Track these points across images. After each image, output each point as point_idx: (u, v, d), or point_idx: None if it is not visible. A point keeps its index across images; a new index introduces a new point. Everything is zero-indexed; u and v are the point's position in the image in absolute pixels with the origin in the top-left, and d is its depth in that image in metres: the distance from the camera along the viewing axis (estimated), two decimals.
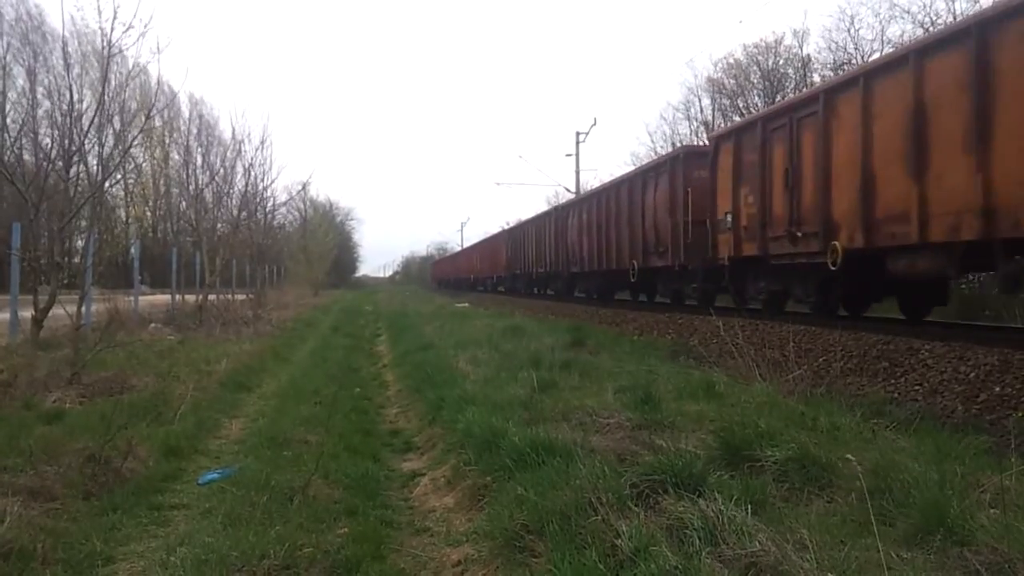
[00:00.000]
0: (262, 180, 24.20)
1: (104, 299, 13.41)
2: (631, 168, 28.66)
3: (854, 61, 26.50)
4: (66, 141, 10.32)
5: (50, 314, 9.04)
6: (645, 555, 2.85)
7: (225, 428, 6.91)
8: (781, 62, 32.29)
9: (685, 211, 13.98)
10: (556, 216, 24.72)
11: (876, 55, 24.15)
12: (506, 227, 42.07)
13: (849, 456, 3.43)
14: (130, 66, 12.50)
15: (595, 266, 19.80)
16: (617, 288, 20.33)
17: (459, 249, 69.50)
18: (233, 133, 22.34)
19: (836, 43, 28.72)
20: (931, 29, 22.05)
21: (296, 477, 4.59)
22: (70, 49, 17.12)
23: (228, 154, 22.79)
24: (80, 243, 13.16)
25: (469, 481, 4.69)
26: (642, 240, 16.21)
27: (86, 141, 10.15)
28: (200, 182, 27.49)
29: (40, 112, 37.01)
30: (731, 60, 34.80)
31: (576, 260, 21.83)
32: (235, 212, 22.13)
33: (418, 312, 22.70)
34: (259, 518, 3.90)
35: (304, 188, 37.27)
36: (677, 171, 14.58)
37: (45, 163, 10.92)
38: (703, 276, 13.91)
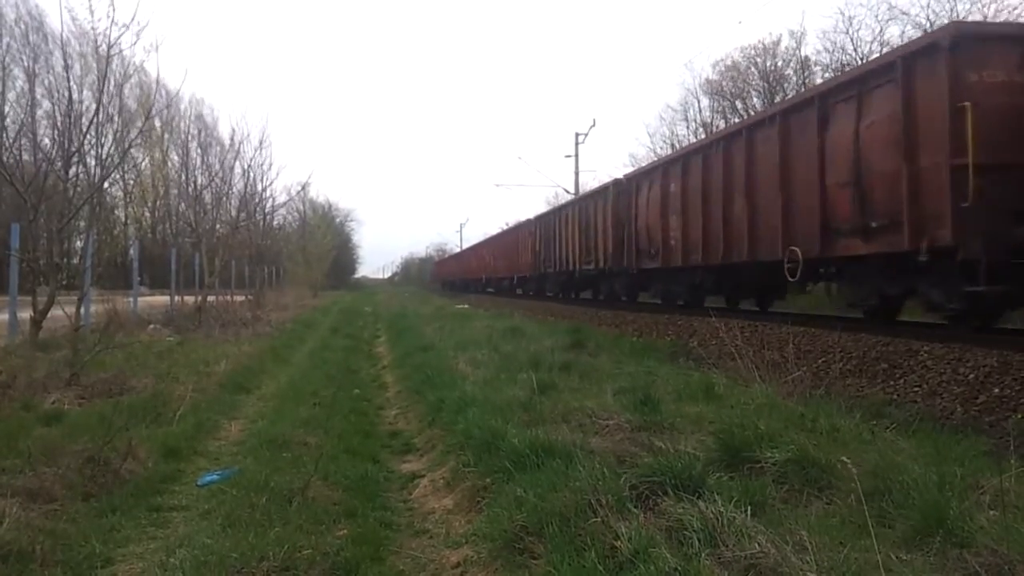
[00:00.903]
0: (261, 181, 24.26)
1: (103, 300, 13.41)
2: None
3: (854, 62, 26.55)
4: (65, 142, 10.31)
5: (49, 315, 9.03)
6: (644, 557, 2.85)
7: (224, 429, 6.91)
8: (780, 63, 32.38)
9: (955, 148, 7.44)
10: (618, 192, 17.91)
11: (875, 56, 24.18)
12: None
13: (844, 459, 3.43)
14: (126, 66, 12.49)
15: (697, 258, 13.33)
16: (737, 289, 14.12)
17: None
18: (232, 134, 22.36)
19: (834, 43, 28.77)
20: (929, 30, 22.07)
21: (295, 479, 4.58)
22: (71, 50, 17.12)
23: (227, 155, 22.83)
24: (79, 244, 13.15)
25: (468, 482, 4.69)
26: (820, 211, 9.58)
27: (85, 141, 10.13)
28: (199, 183, 27.51)
29: (40, 112, 37.09)
30: (729, 62, 34.87)
31: (654, 251, 15.42)
32: (234, 213, 22.15)
33: (417, 313, 22.69)
34: (258, 520, 3.89)
35: (303, 189, 37.30)
36: (925, 77, 7.96)
37: (44, 164, 10.92)
38: (991, 270, 7.36)
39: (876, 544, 2.70)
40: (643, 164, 25.19)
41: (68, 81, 11.16)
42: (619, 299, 19.39)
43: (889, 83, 8.51)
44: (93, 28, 9.34)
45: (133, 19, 9.57)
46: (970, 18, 21.66)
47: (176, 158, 46.44)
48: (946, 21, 22.55)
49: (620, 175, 19.19)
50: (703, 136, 29.53)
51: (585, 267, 20.58)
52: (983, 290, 7.48)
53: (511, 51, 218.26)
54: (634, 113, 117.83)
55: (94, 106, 10.21)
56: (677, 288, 15.72)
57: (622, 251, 17.42)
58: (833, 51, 28.70)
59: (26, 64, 40.63)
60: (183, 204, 36.40)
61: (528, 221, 30.93)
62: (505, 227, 42.26)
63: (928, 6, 27.50)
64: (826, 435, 4.40)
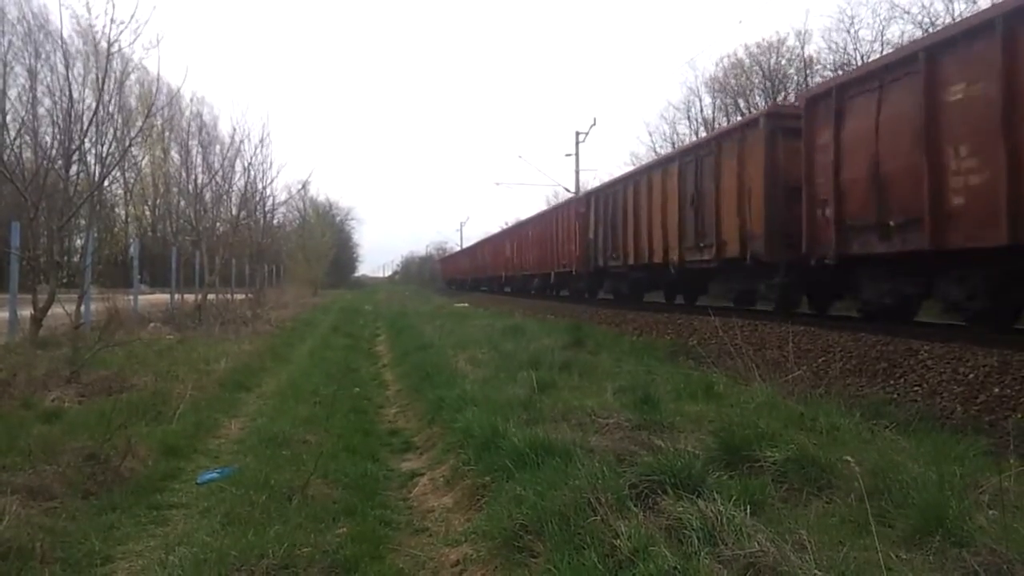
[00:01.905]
0: (261, 179, 24.26)
1: (103, 298, 13.38)
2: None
3: (855, 62, 26.54)
4: (66, 140, 10.31)
5: (49, 313, 9.03)
6: (644, 555, 2.85)
7: (224, 427, 6.90)
8: (783, 62, 32.39)
9: None
10: (776, 129, 11.26)
11: (875, 56, 24.15)
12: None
13: (848, 457, 3.43)
14: (126, 63, 12.49)
15: None
16: None
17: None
18: (233, 132, 22.38)
19: (836, 43, 28.75)
20: (930, 30, 22.05)
21: (295, 477, 4.59)
22: (74, 49, 17.14)
23: (227, 153, 22.81)
24: (79, 242, 13.16)
25: (468, 481, 4.69)
26: None
27: (86, 140, 10.13)
28: (199, 181, 27.52)
29: (41, 110, 37.11)
30: (734, 59, 34.90)
31: (899, 222, 8.41)
32: (234, 211, 22.17)
33: (417, 312, 22.69)
34: (258, 518, 3.89)
35: (304, 187, 37.32)
36: None
37: (45, 162, 10.92)
38: None
39: (877, 543, 2.70)
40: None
41: (69, 80, 11.17)
42: (752, 307, 13.27)
43: None
44: (91, 26, 9.36)
45: (132, 17, 9.58)
46: (967, 14, 21.51)
47: (176, 156, 46.41)
48: (944, 18, 22.56)
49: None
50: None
51: (695, 258, 13.93)
52: None
53: (511, 50, 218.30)
54: (635, 112, 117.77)
55: (95, 104, 10.22)
56: (957, 291, 8.35)
57: (790, 230, 10.73)
58: (835, 51, 28.72)
59: (28, 62, 40.67)
60: (183, 202, 36.42)
61: (575, 198, 23.59)
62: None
63: (928, 5, 27.47)
64: (826, 434, 4.40)
